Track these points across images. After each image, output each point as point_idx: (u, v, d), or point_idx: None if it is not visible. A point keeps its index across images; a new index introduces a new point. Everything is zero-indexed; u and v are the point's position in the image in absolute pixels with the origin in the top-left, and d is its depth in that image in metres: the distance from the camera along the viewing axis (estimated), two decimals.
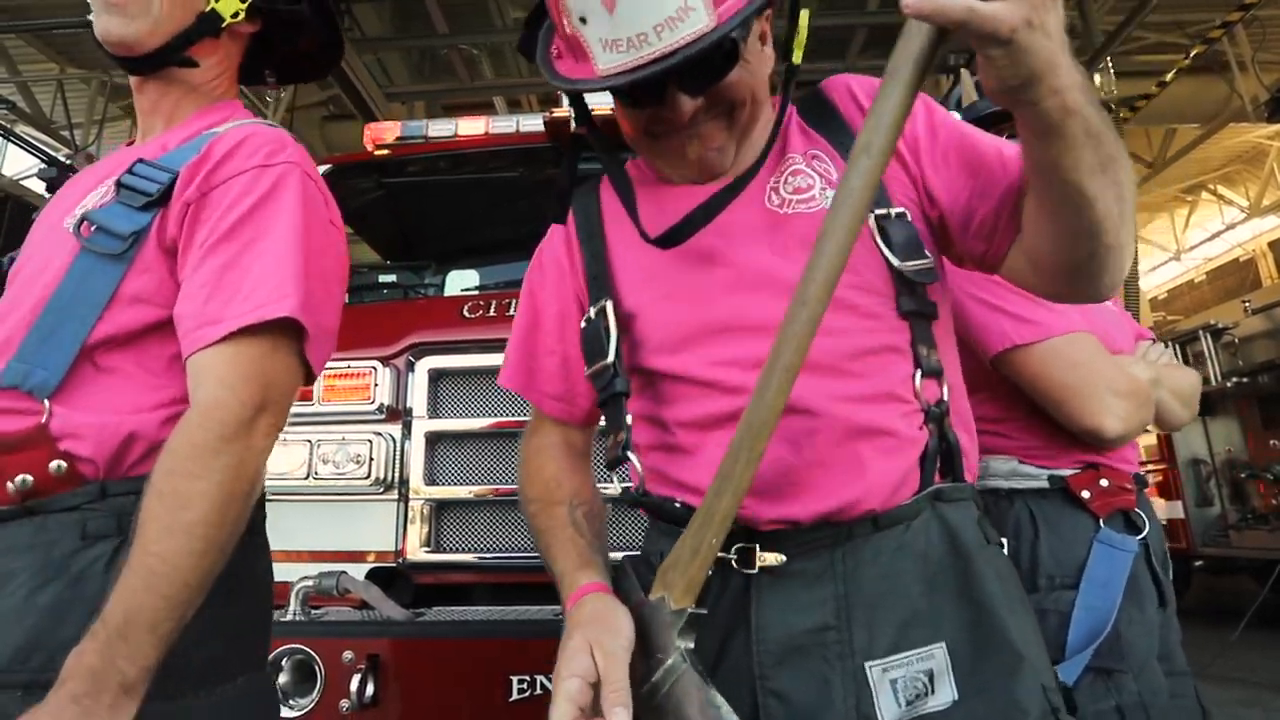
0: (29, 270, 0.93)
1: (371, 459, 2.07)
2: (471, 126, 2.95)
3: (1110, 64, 7.10)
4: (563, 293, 0.98)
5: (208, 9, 1.00)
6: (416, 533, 2.05)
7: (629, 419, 0.89)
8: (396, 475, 2.11)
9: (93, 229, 0.88)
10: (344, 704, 1.62)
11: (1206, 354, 6.49)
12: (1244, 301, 6.69)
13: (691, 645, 0.70)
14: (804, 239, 0.80)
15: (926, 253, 0.84)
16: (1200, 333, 6.64)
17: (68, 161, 8.72)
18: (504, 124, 2.96)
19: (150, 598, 0.73)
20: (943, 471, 0.83)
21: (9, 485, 0.82)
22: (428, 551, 2.03)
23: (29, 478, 0.82)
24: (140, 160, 0.92)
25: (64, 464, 0.82)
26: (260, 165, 0.92)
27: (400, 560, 2.06)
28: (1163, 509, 6.64)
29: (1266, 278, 14.23)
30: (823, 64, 8.93)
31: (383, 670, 1.70)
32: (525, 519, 0.96)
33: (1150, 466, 6.74)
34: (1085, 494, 1.23)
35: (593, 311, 0.91)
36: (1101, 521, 1.22)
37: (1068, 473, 1.25)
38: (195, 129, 1.00)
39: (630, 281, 0.92)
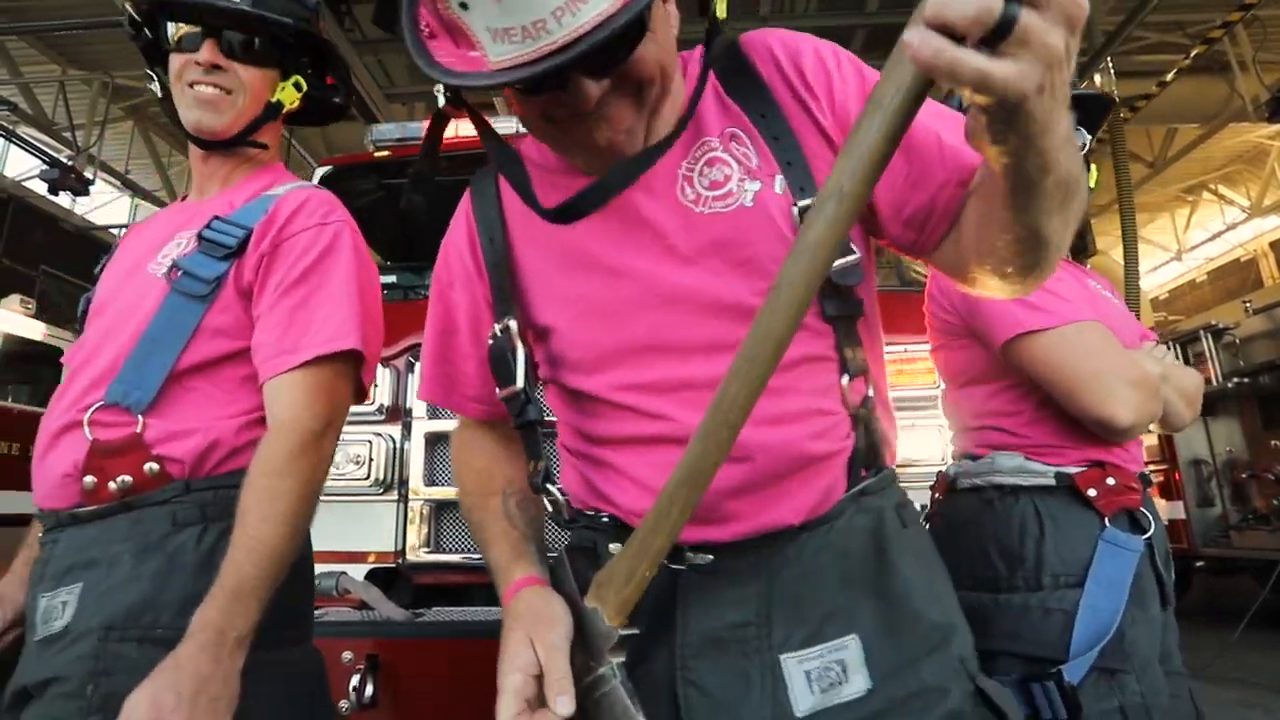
0: (119, 308, 1.11)
1: (371, 459, 2.07)
2: (471, 127, 2.94)
3: (1110, 64, 7.09)
4: (473, 294, 0.92)
5: (274, 100, 1.20)
6: (416, 533, 2.06)
7: (545, 447, 0.87)
8: (396, 476, 2.12)
9: (180, 274, 1.07)
10: (343, 704, 1.62)
11: (1207, 354, 6.49)
12: (1245, 302, 6.68)
13: (623, 659, 0.70)
14: (721, 245, 0.77)
15: (853, 247, 0.77)
16: (1201, 333, 6.63)
17: (69, 162, 8.74)
18: (504, 125, 2.96)
19: (254, 569, 0.92)
20: (867, 466, 0.81)
21: (110, 485, 1.00)
22: (427, 552, 2.03)
23: (128, 478, 1.00)
24: (216, 218, 1.11)
25: (156, 466, 1.01)
26: (319, 224, 1.13)
27: (400, 561, 2.06)
28: (1164, 509, 6.63)
29: (1268, 277, 14.20)
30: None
31: (382, 671, 1.70)
32: (463, 513, 0.95)
33: (1151, 467, 6.73)
34: (1091, 492, 1.22)
35: (498, 328, 0.85)
36: (1107, 520, 1.21)
37: (1074, 470, 1.24)
38: (253, 190, 1.18)
39: (541, 294, 0.86)
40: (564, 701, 0.66)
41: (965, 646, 0.79)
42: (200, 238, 1.09)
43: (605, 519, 0.82)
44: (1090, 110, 1.43)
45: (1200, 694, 1.30)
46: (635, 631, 0.71)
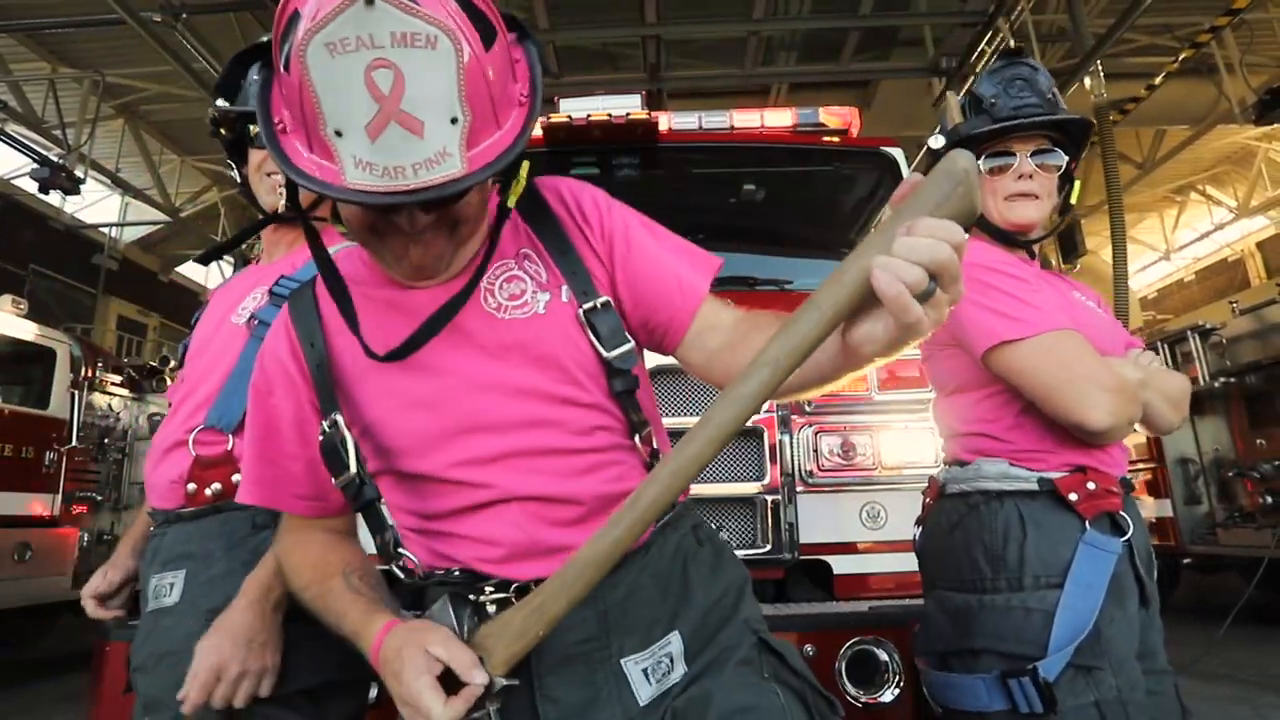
0: (213, 352, 1.36)
1: None
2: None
3: (1100, 67, 7.15)
4: (295, 398, 0.98)
5: None
6: None
7: (389, 518, 0.97)
8: None
9: (256, 323, 1.30)
10: None
11: (1194, 354, 6.56)
12: (1231, 302, 6.77)
13: (499, 706, 0.80)
14: (520, 343, 0.93)
15: (627, 336, 0.96)
16: (1188, 333, 6.71)
17: (60, 161, 8.68)
18: None
19: None
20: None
21: (206, 491, 1.27)
22: None
23: (219, 486, 1.27)
24: (283, 276, 1.33)
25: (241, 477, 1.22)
26: None
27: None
28: (1151, 507, 6.71)
29: (1255, 277, 14.35)
30: (816, 66, 8.98)
31: None
32: (306, 607, 0.99)
33: (1140, 465, 6.80)
34: (1072, 496, 1.26)
35: (325, 424, 0.94)
36: (1087, 523, 1.24)
37: (1056, 475, 1.28)
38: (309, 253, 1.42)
39: (364, 392, 0.95)
40: (478, 674, 0.77)
41: (750, 612, 0.98)
42: (271, 292, 1.32)
43: (457, 573, 0.93)
44: (1073, 134, 1.46)
45: (1187, 690, 1.33)
46: (515, 683, 0.82)
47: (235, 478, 1.24)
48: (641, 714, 0.87)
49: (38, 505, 5.64)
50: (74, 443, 5.96)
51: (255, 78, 1.30)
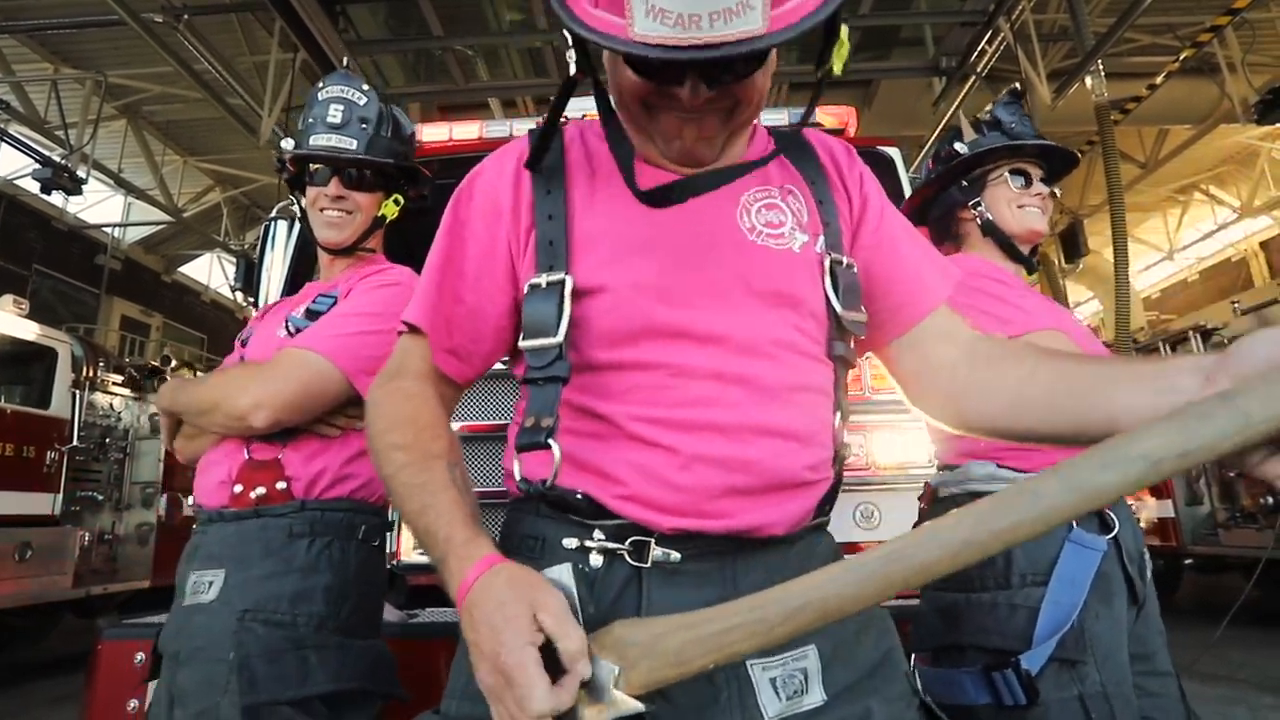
0: (258, 359, 1.43)
1: None
2: (465, 131, 2.97)
3: (1101, 66, 7.13)
4: (493, 235, 0.88)
5: (379, 214, 1.55)
6: (410, 535, 2.07)
7: (559, 402, 0.81)
8: None
9: (296, 332, 1.39)
10: None
11: (1196, 355, 6.54)
12: (1233, 302, 6.75)
13: None
14: (765, 273, 0.84)
15: (862, 308, 0.89)
16: (1190, 334, 6.69)
17: (62, 161, 8.70)
18: (498, 128, 2.98)
19: None
20: (829, 502, 0.87)
21: (251, 494, 1.31)
22: (421, 553, 2.05)
23: (263, 490, 1.31)
24: (321, 294, 1.47)
25: (285, 484, 1.32)
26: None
27: (394, 562, 2.08)
28: (1153, 508, 6.69)
29: (1258, 277, 14.29)
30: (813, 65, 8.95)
31: None
32: (383, 467, 0.81)
33: None
34: None
35: (544, 280, 0.82)
36: (1074, 522, 1.24)
37: None
38: (354, 279, 1.52)
39: (591, 256, 0.84)
40: (584, 666, 0.63)
41: (903, 663, 0.85)
42: (308, 311, 1.43)
43: (579, 496, 0.79)
44: (1055, 163, 1.62)
45: (1185, 694, 1.32)
46: (644, 709, 0.65)
47: (280, 484, 1.31)
48: None
49: (39, 504, 5.64)
50: (75, 442, 5.97)
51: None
